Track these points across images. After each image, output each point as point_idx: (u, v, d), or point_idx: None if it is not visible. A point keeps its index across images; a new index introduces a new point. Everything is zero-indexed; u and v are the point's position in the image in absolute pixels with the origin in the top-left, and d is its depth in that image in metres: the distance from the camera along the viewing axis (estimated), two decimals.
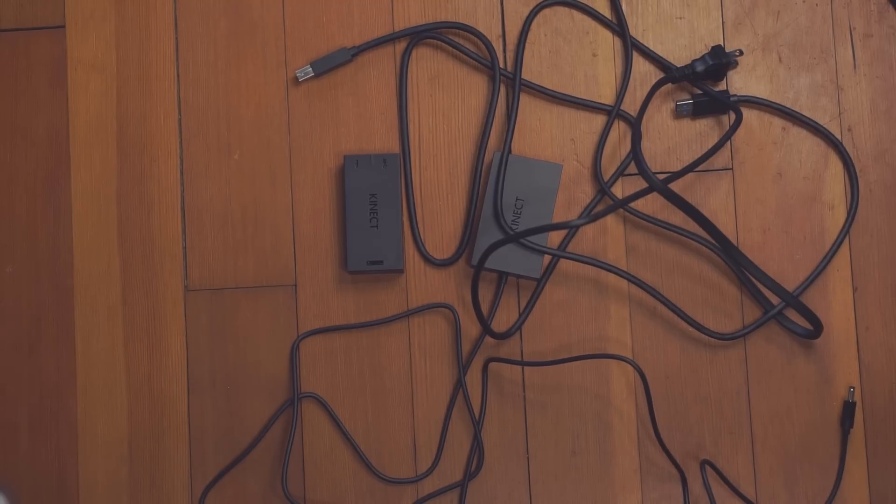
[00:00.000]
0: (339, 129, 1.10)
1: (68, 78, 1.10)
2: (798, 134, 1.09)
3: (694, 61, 1.07)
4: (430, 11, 1.11)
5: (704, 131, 1.09)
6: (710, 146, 1.09)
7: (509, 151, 1.08)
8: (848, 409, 1.06)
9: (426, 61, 1.10)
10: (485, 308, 1.08)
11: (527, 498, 1.07)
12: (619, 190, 1.09)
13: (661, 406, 1.07)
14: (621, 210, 1.08)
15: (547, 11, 1.11)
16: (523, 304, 1.08)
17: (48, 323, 1.08)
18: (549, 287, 1.08)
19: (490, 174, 1.07)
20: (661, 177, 1.08)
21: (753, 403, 1.07)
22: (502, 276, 1.08)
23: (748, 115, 1.09)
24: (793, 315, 1.07)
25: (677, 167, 1.09)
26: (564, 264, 1.08)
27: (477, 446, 1.07)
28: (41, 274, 1.09)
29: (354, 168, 1.06)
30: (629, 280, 1.06)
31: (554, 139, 1.09)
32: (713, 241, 1.06)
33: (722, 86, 1.10)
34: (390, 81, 1.10)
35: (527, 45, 1.10)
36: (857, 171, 1.08)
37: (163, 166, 1.09)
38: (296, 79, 1.09)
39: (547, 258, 1.08)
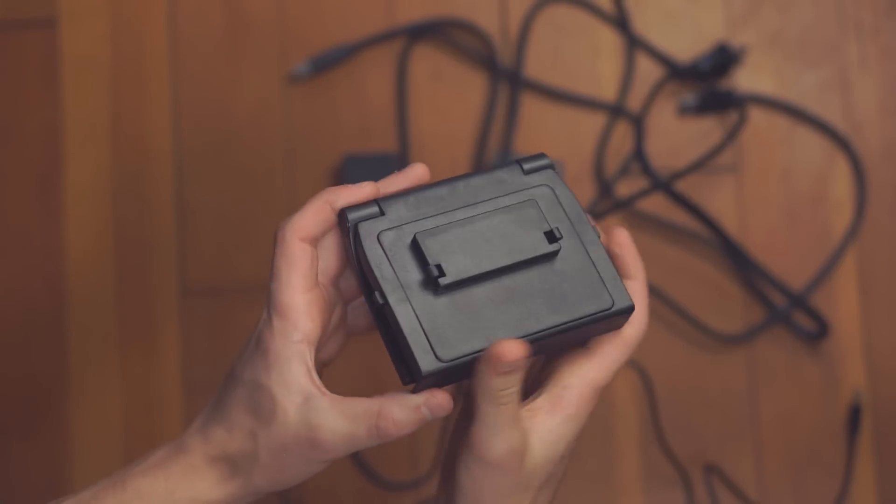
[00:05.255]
0: (338, 128, 1.09)
1: (62, 74, 1.10)
2: (805, 132, 1.08)
3: (698, 58, 1.07)
4: (429, 8, 1.10)
5: (709, 129, 1.08)
6: (714, 144, 1.08)
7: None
8: (855, 413, 1.05)
9: (426, 59, 1.10)
10: None
11: None
12: (622, 189, 1.08)
13: (665, 409, 1.06)
14: (624, 209, 1.08)
15: (549, 8, 1.10)
16: None
17: (42, 324, 1.08)
18: None
19: None
20: (665, 176, 1.08)
21: (759, 407, 1.06)
22: None
23: (754, 112, 1.08)
24: (799, 317, 1.06)
25: (681, 166, 1.08)
26: None
27: None
28: (35, 274, 1.08)
29: (354, 168, 1.06)
30: None
31: (555, 138, 1.09)
32: (717, 242, 1.05)
33: (727, 83, 1.09)
34: (390, 79, 1.09)
35: (528, 42, 1.09)
36: (865, 169, 1.07)
37: (158, 165, 1.09)
38: (294, 76, 1.09)
39: None
